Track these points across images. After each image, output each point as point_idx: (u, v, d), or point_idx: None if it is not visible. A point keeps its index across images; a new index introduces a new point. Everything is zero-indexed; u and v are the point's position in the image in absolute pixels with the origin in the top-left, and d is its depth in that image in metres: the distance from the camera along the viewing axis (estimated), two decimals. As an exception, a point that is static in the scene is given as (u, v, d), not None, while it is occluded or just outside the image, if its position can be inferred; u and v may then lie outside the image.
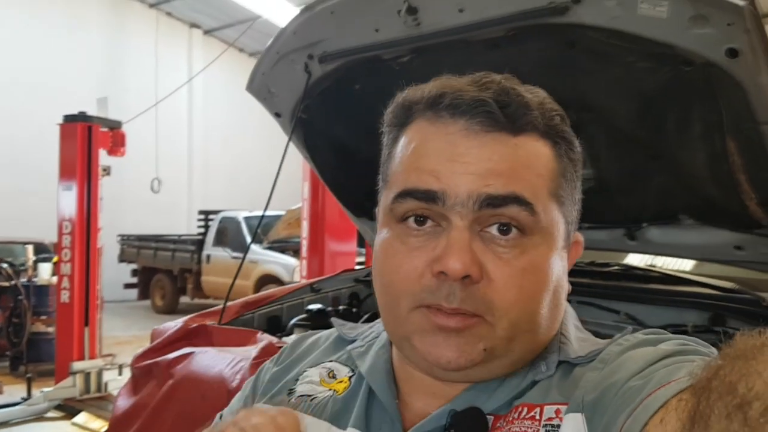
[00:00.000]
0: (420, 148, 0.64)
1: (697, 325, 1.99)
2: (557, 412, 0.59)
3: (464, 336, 0.60)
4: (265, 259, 9.95)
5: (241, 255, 10.41)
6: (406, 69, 2.05)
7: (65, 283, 6.51)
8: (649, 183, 1.98)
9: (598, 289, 2.24)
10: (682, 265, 2.32)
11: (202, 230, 11.91)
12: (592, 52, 1.71)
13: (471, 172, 0.61)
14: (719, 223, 1.94)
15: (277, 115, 2.46)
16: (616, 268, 2.32)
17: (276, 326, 2.45)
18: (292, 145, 2.45)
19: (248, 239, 10.33)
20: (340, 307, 2.54)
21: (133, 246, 12.81)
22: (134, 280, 12.85)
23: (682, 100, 1.67)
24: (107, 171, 6.82)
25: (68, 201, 6.42)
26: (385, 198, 0.67)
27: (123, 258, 12.94)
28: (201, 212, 12.42)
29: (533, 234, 0.61)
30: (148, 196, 11.88)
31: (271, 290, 2.71)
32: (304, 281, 2.81)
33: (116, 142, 6.81)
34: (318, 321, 2.32)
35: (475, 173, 0.60)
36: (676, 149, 1.83)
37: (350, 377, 0.73)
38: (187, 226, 14.16)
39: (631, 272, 2.28)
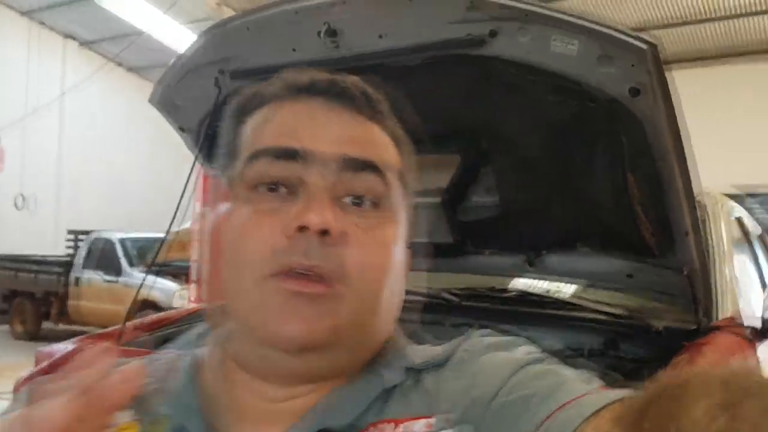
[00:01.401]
0: (276, 118, 0.62)
1: (593, 348, 2.09)
2: (428, 426, 0.55)
3: (315, 306, 0.54)
4: (138, 283, 9.43)
5: (115, 279, 9.84)
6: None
7: None
8: (552, 212, 2.09)
9: (498, 313, 2.32)
10: (577, 292, 2.45)
11: (71, 251, 11.14)
12: (506, 83, 1.79)
13: (331, 137, 0.59)
14: (613, 252, 2.07)
15: (182, 129, 2.36)
16: (515, 293, 2.41)
17: (172, 351, 2.33)
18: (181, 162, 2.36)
19: (124, 262, 9.77)
20: None
21: (-8, 267, 11.74)
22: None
23: (587, 134, 1.78)
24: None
25: None
26: (230, 172, 0.62)
27: (-19, 280, 11.83)
28: (70, 232, 11.63)
29: (385, 210, 0.60)
30: (11, 213, 11.01)
31: (171, 311, 2.57)
32: (197, 306, 2.69)
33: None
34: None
35: (335, 139, 0.59)
36: (579, 180, 1.94)
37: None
38: (54, 245, 13.21)
39: (529, 297, 2.37)
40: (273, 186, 0.58)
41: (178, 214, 2.18)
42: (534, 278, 2.34)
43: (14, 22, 13.72)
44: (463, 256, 2.38)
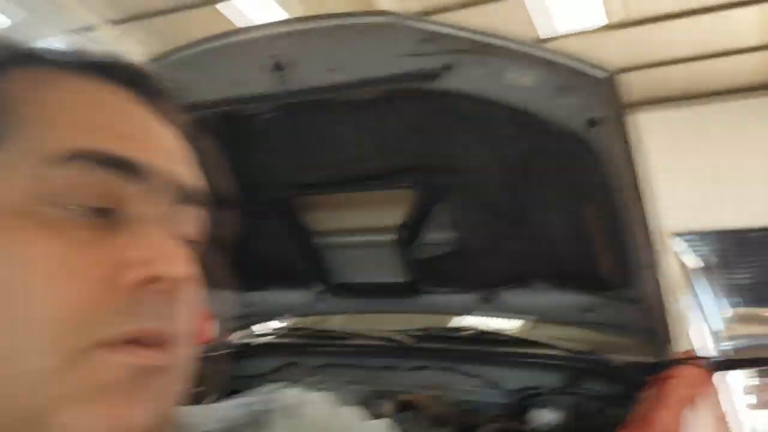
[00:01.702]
0: (87, 104, 0.43)
1: (554, 387, 2.04)
2: None
3: (160, 382, 0.41)
4: None
5: None
6: (267, 128, 1.96)
7: None
8: (508, 248, 2.05)
9: (456, 354, 2.24)
10: (535, 329, 2.40)
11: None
12: (461, 117, 1.75)
13: (167, 150, 0.46)
14: (571, 287, 2.04)
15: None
16: (472, 332, 2.34)
17: None
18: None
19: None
20: None
21: None
22: None
23: (544, 168, 1.76)
24: None
25: None
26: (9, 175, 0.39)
27: None
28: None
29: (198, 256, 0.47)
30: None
31: None
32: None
33: None
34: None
35: (171, 155, 0.46)
36: (535, 215, 1.91)
37: None
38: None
39: (486, 336, 2.31)
40: (87, 207, 0.40)
41: None
42: (491, 316, 2.28)
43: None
44: (417, 296, 2.31)
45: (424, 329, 2.44)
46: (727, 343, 2.33)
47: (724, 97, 9.14)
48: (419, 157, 1.93)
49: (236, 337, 2.67)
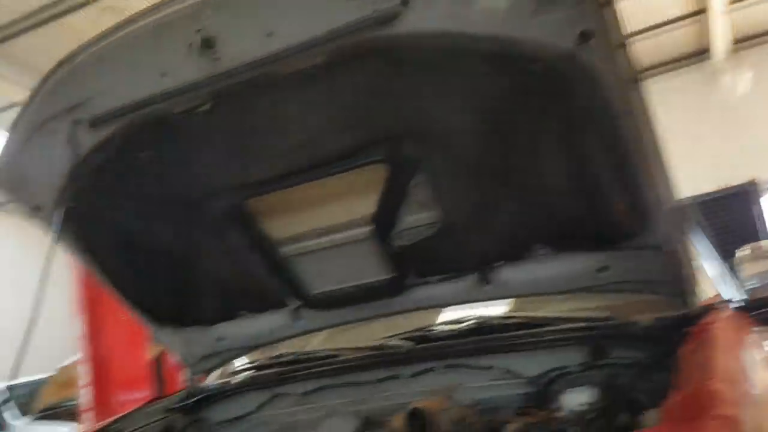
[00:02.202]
0: None
1: (581, 363, 1.78)
2: None
3: None
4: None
5: (1, 434, 8.59)
6: (206, 123, 1.68)
7: None
8: (499, 215, 1.80)
9: (461, 347, 1.97)
10: (544, 304, 2.15)
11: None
12: (424, 66, 1.51)
13: None
14: (578, 246, 1.80)
15: (37, 209, 1.90)
16: (473, 322, 2.08)
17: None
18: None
19: (9, 414, 8.58)
20: None
21: None
22: None
23: (530, 106, 1.53)
24: None
25: None
26: None
27: None
28: (-57, 392, 10.14)
29: None
30: None
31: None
32: (102, 423, 2.15)
33: None
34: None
35: None
36: (527, 169, 1.67)
37: None
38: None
39: (491, 323, 2.04)
40: None
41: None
42: (492, 300, 2.02)
43: None
44: (405, 292, 2.04)
45: (419, 329, 2.17)
46: (750, 283, 2.12)
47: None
48: (383, 126, 1.67)
49: (211, 380, 2.34)
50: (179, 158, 1.81)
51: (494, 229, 1.84)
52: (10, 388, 8.99)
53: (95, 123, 1.71)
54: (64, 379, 8.27)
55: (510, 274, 1.92)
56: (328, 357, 2.18)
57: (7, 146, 1.79)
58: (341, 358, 2.14)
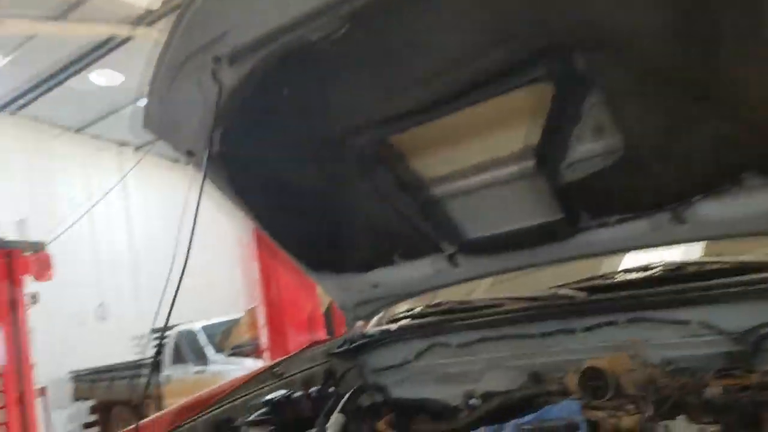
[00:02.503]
0: None
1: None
2: None
3: None
4: (229, 368, 9.05)
5: (202, 368, 9.53)
6: (344, 50, 1.51)
7: (1, 432, 5.65)
8: (696, 137, 1.46)
9: (648, 298, 1.67)
10: (751, 247, 1.77)
11: (157, 350, 10.95)
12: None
13: None
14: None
15: (190, 154, 1.88)
16: (664, 269, 1.76)
17: (227, 434, 1.78)
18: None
19: (210, 350, 9.48)
20: (313, 390, 1.88)
21: (86, 381, 11.75)
22: (94, 417, 11.75)
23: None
24: (36, 298, 6.11)
25: (-9, 339, 5.65)
26: None
27: (78, 396, 11.89)
28: (153, 330, 11.50)
29: None
30: (93, 323, 11.01)
31: (220, 385, 2.05)
32: (266, 365, 2.17)
33: (42, 265, 6.13)
34: (283, 413, 1.68)
35: None
36: (733, 76, 1.32)
37: None
38: (139, 349, 13.16)
39: (686, 270, 1.72)
40: None
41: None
42: (689, 240, 1.69)
43: (68, 139, 14.15)
44: (577, 235, 1.77)
45: (596, 277, 1.89)
46: None
47: None
48: (547, 34, 1.40)
49: (367, 327, 2.26)
50: (319, 92, 1.68)
51: (691, 155, 1.50)
52: (204, 328, 9.91)
53: (234, 58, 1.62)
54: (250, 320, 8.94)
55: (710, 210, 1.58)
56: (490, 306, 1.98)
57: (152, 90, 1.77)
58: (505, 308, 1.94)
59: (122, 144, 15.01)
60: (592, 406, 1.44)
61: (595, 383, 1.51)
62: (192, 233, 1.70)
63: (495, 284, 2.18)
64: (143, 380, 10.78)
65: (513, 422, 1.44)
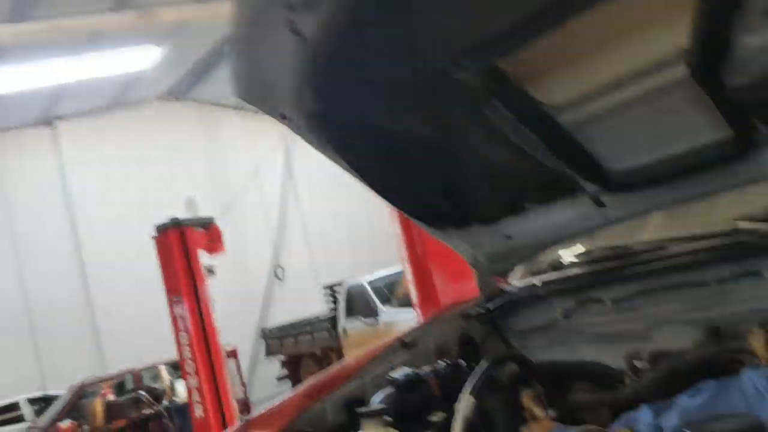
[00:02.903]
0: None
1: None
2: None
3: None
4: (399, 318, 9.20)
5: (374, 321, 9.79)
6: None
7: (195, 396, 6.14)
8: None
9: None
10: None
11: (332, 305, 11.48)
12: None
13: None
14: None
15: (283, 117, 1.73)
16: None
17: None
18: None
19: (376, 302, 9.71)
20: (442, 362, 1.68)
21: (274, 338, 12.66)
22: (285, 371, 12.68)
23: None
24: (212, 270, 6.51)
25: (178, 311, 6.11)
26: None
27: (269, 352, 12.86)
28: (326, 287, 12.04)
29: None
30: (274, 284, 11.72)
31: (349, 361, 1.92)
32: (394, 337, 2.01)
33: (213, 239, 6.49)
34: (410, 396, 1.51)
35: None
36: None
37: None
38: (316, 304, 13.89)
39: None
40: None
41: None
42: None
43: (233, 117, 15.01)
44: (754, 152, 1.38)
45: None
46: None
47: None
48: None
49: (509, 283, 2.00)
50: (411, 26, 1.43)
51: None
52: (371, 282, 10.15)
53: (310, 2, 1.42)
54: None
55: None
56: (651, 251, 1.64)
57: (236, 54, 1.63)
58: (670, 251, 1.59)
59: (284, 117, 15.66)
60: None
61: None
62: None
63: (654, 225, 1.82)
64: (322, 334, 11.37)
65: (680, 405, 1.14)
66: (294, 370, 12.31)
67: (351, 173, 1.79)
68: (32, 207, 13.67)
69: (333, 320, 11.08)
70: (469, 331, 1.92)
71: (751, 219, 1.46)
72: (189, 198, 6.72)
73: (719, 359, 1.43)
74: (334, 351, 11.00)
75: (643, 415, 1.21)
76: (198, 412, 6.07)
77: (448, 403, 1.45)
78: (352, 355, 10.51)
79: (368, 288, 10.12)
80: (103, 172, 14.06)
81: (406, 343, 1.86)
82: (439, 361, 1.69)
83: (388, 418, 1.38)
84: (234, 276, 14.19)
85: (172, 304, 5.91)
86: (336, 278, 12.35)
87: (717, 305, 1.47)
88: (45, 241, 13.64)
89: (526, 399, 1.50)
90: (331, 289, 11.61)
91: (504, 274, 1.98)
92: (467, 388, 1.39)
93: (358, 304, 10.39)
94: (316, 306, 13.28)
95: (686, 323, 1.53)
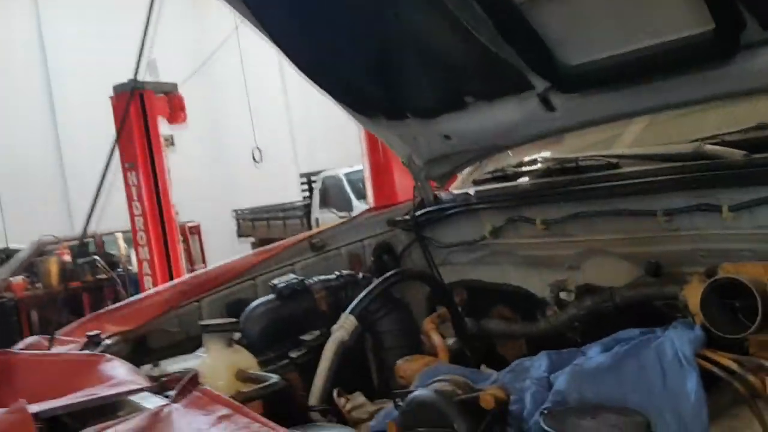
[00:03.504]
0: None
1: None
2: None
3: None
4: (372, 215, 9.08)
5: (347, 215, 9.64)
6: None
7: (146, 268, 6.02)
8: None
9: None
10: None
11: (307, 194, 11.33)
12: None
13: None
14: None
15: None
16: None
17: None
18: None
19: (351, 196, 9.53)
20: (361, 274, 1.47)
21: (247, 219, 12.59)
22: (255, 254, 12.70)
23: None
24: (170, 141, 6.21)
25: (132, 179, 5.84)
26: None
27: (241, 233, 12.83)
28: (302, 175, 11.84)
29: None
30: (250, 167, 11.48)
31: (248, 256, 1.69)
32: (303, 234, 1.77)
33: (174, 107, 6.13)
34: (290, 305, 1.29)
35: None
36: None
37: None
38: (293, 192, 13.70)
39: None
40: None
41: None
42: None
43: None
44: (738, 56, 1.10)
45: (762, 127, 1.22)
46: None
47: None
48: None
49: (443, 191, 1.76)
50: None
51: None
52: (347, 175, 9.94)
53: None
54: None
55: None
56: (598, 168, 1.39)
57: None
58: (617, 171, 1.34)
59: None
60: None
61: (731, 302, 0.94)
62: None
63: (605, 138, 1.55)
64: (294, 222, 11.29)
65: (579, 366, 0.92)
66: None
67: (277, 48, 1.47)
68: (4, 57, 13.04)
69: (307, 209, 10.95)
70: (391, 239, 1.69)
71: (721, 143, 1.21)
72: (151, 60, 6.25)
73: (652, 304, 1.22)
74: (306, 240, 10.96)
75: (537, 365, 1.00)
76: (148, 285, 5.97)
77: (334, 322, 1.24)
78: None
79: (344, 181, 9.92)
80: (81, 28, 13.32)
81: (313, 244, 1.62)
82: (337, 273, 1.46)
83: (236, 335, 1.17)
84: (212, 154, 13.89)
85: (125, 170, 5.63)
86: (316, 168, 12.12)
87: (662, 241, 1.24)
88: (17, 96, 13.12)
89: (427, 324, 1.30)
90: (308, 178, 11.40)
91: (440, 179, 1.73)
92: (352, 306, 1.17)
93: (332, 195, 10.23)
94: (296, 194, 13.12)
95: (623, 257, 1.30)
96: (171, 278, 5.93)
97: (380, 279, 1.25)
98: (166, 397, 0.81)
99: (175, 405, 0.74)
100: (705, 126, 1.38)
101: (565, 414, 0.74)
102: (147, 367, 1.07)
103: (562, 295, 1.39)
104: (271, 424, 0.67)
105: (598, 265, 1.34)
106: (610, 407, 0.76)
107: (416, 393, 0.88)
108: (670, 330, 0.92)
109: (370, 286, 1.24)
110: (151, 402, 0.80)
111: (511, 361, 1.51)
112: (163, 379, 0.88)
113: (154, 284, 5.89)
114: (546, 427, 0.71)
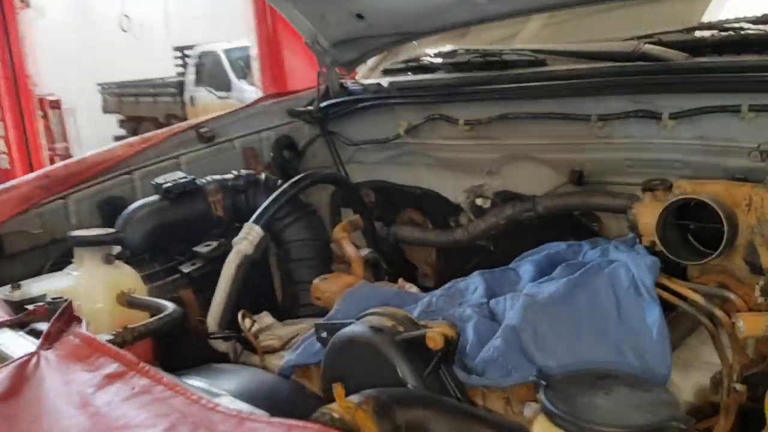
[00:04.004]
0: None
1: None
2: None
3: None
4: (254, 98, 8.59)
5: (226, 94, 9.10)
6: None
7: (1, 145, 5.47)
8: None
9: None
10: None
11: (181, 70, 10.53)
12: None
13: None
14: None
15: None
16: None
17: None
18: None
19: (230, 74, 8.96)
20: (263, 174, 1.27)
21: (114, 95, 11.62)
22: (124, 132, 11.85)
23: None
24: (26, 2, 5.48)
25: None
26: None
27: (107, 109, 11.89)
28: (176, 49, 10.96)
29: None
30: (118, 36, 10.45)
31: (122, 144, 1.44)
32: (188, 123, 1.54)
33: (27, -39, 5.37)
34: (179, 209, 1.11)
35: None
36: None
37: None
38: (172, 66, 12.72)
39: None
40: None
41: None
42: None
43: None
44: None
45: (709, 26, 1.14)
46: None
47: None
48: None
49: (351, 82, 1.57)
50: None
51: None
52: (227, 52, 9.32)
53: None
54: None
55: None
56: (528, 64, 1.26)
57: None
58: (550, 69, 1.23)
59: None
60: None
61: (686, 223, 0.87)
62: None
63: (539, 32, 1.42)
64: (167, 99, 10.61)
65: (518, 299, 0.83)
66: (133, 132, 11.54)
67: None
68: None
69: (180, 86, 10.21)
70: (292, 132, 1.50)
71: (665, 44, 1.11)
72: None
73: (571, 215, 1.15)
74: (179, 119, 10.31)
75: (472, 288, 0.91)
76: (3, 164, 5.45)
77: (234, 232, 1.07)
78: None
79: (223, 57, 9.25)
80: None
81: (201, 134, 1.41)
82: (235, 172, 1.27)
83: (116, 248, 0.98)
84: (77, 22, 12.55)
85: (-30, 33, 4.91)
86: (192, 42, 11.22)
87: (591, 148, 1.16)
88: None
89: (339, 233, 1.16)
90: (182, 52, 10.55)
91: (349, 66, 1.54)
92: (257, 214, 1.00)
93: (210, 73, 9.55)
94: (170, 70, 12.16)
95: (546, 163, 1.22)
96: (29, 156, 5.44)
97: (289, 182, 1.09)
98: (31, 334, 0.63)
99: (46, 353, 0.56)
100: (608, 25, 1.29)
101: (568, 387, 0.64)
102: (4, 290, 0.86)
103: (478, 201, 1.30)
104: (180, 386, 0.52)
105: (519, 170, 1.25)
106: (618, 375, 0.67)
107: (349, 329, 0.75)
108: (620, 253, 0.85)
109: (278, 191, 1.07)
110: (11, 343, 0.62)
111: (420, 268, 1.44)
112: (27, 308, 0.69)
113: (11, 163, 5.39)
114: (552, 408, 0.58)
